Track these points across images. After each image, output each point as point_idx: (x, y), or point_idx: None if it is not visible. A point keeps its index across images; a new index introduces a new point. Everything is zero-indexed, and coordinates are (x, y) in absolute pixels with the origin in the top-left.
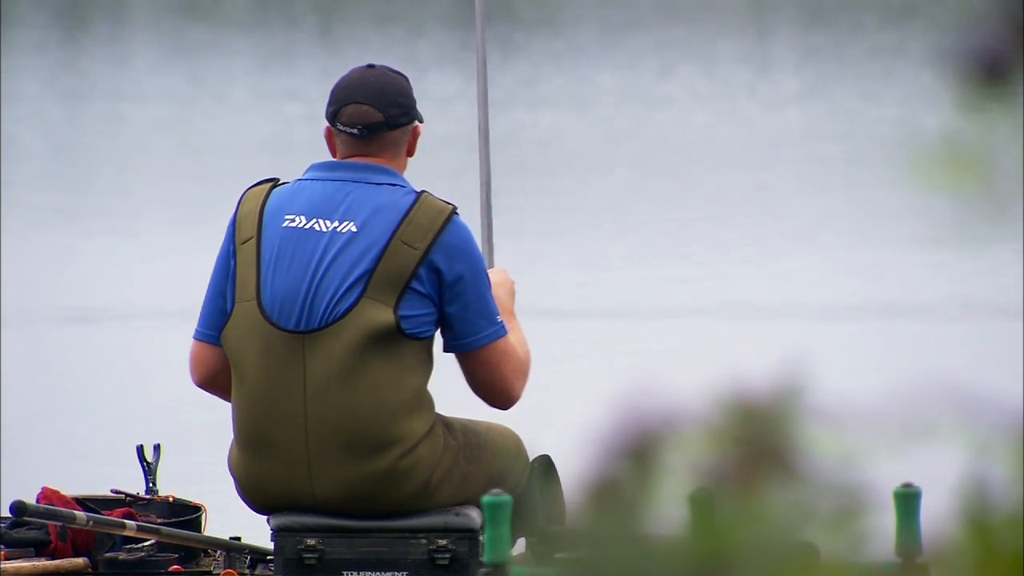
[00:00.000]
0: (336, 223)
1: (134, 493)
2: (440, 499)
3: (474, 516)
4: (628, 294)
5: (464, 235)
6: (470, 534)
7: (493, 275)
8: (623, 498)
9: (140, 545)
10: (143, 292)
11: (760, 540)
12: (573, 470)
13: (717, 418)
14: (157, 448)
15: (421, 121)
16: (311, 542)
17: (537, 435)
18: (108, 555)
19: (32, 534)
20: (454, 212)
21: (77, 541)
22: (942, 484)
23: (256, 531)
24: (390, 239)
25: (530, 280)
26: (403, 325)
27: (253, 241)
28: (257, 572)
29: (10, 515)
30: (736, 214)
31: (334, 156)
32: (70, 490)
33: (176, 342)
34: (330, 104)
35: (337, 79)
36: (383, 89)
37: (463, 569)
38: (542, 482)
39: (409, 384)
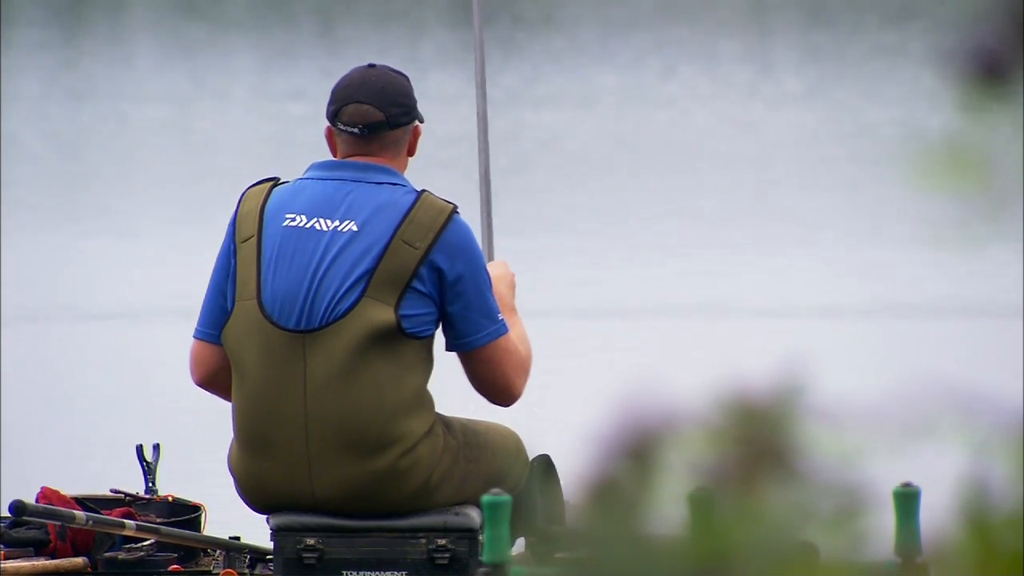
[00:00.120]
0: (337, 222)
1: (133, 493)
2: (440, 499)
3: (474, 516)
4: (628, 294)
5: (465, 234)
6: (470, 534)
7: (493, 268)
8: (623, 498)
9: (139, 545)
10: (143, 292)
11: (760, 540)
12: (573, 470)
13: (717, 418)
14: (157, 448)
15: (422, 121)
16: (311, 542)
17: (537, 435)
18: (107, 555)
19: (31, 534)
20: (455, 211)
21: (76, 541)
22: (942, 484)
23: (256, 531)
24: (391, 238)
25: (530, 280)
26: (404, 324)
27: (254, 240)
28: (257, 572)
29: (10, 515)
30: (737, 214)
31: (335, 155)
32: (70, 490)
33: (176, 342)
34: (331, 103)
35: (338, 79)
36: (384, 88)
37: (462, 569)
38: (542, 482)
39: (409, 384)
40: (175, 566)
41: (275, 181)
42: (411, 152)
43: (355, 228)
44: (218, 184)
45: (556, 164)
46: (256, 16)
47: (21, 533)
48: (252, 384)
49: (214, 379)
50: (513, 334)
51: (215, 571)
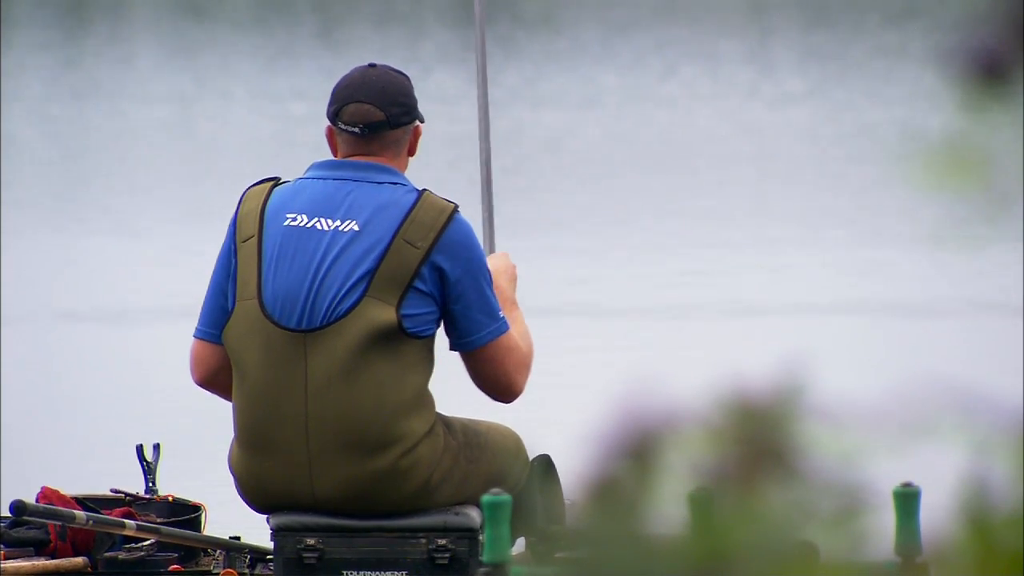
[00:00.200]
0: (338, 222)
1: (134, 493)
2: (440, 499)
3: (474, 516)
4: (629, 293)
5: (466, 233)
6: (470, 534)
7: (494, 260)
8: (623, 498)
9: (140, 545)
10: (143, 292)
11: (760, 540)
12: (573, 470)
13: (717, 418)
14: (157, 448)
15: (422, 121)
16: (311, 541)
17: (537, 435)
18: (108, 554)
19: (32, 533)
20: (456, 210)
21: (77, 540)
22: (942, 484)
23: (256, 531)
24: (393, 238)
25: (531, 279)
26: (405, 324)
27: (254, 240)
28: (257, 572)
29: (10, 514)
30: (738, 214)
31: (335, 155)
32: (70, 490)
33: (176, 342)
34: (331, 103)
35: (339, 79)
36: (385, 88)
37: (463, 569)
38: (542, 482)
39: (410, 383)
40: (175, 566)
41: (276, 181)
42: (411, 152)
43: (356, 228)
44: (219, 184)
45: (557, 164)
46: (257, 16)
47: (21, 533)
48: (253, 383)
49: (214, 379)
50: (514, 330)
51: (215, 571)
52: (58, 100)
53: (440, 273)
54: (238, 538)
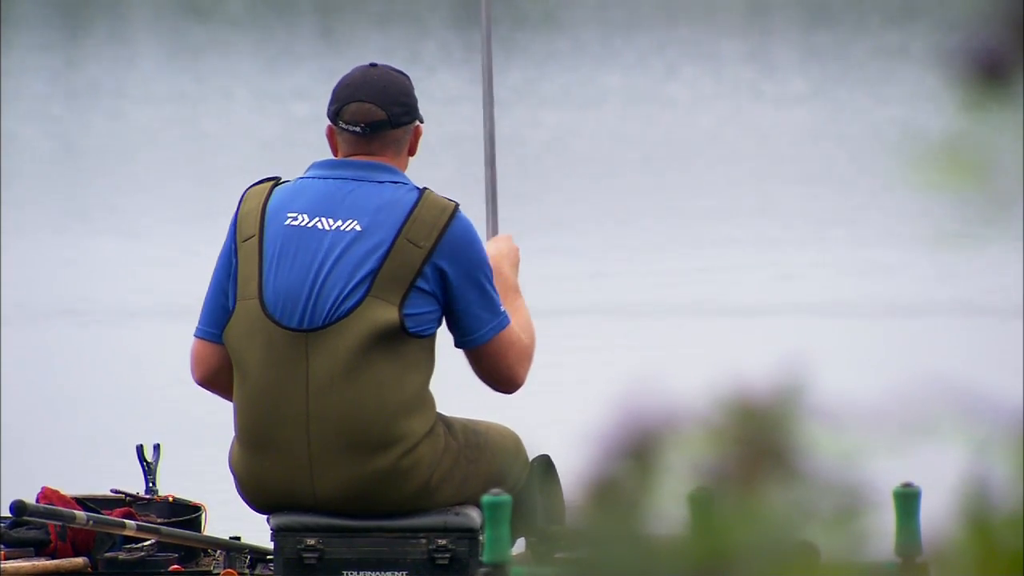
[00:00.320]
0: (339, 222)
1: (134, 493)
2: (440, 499)
3: (474, 516)
4: (630, 293)
5: (468, 231)
6: (470, 534)
7: (496, 243)
8: (623, 498)
9: (140, 545)
10: (143, 292)
11: (760, 540)
12: (573, 470)
13: (717, 418)
14: (157, 448)
15: (422, 121)
16: (311, 542)
17: (537, 435)
18: (108, 555)
19: (32, 534)
20: (457, 209)
21: (77, 541)
22: (942, 484)
23: (256, 531)
24: (396, 238)
25: (532, 279)
26: (407, 323)
27: (255, 239)
28: (257, 572)
29: (10, 515)
30: (739, 214)
31: (336, 155)
32: (70, 490)
33: (176, 341)
34: (332, 102)
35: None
36: (386, 88)
37: (463, 569)
38: (542, 482)
39: (411, 383)
40: (175, 566)
41: (276, 180)
42: (412, 152)
43: (358, 228)
44: (220, 184)
45: (559, 164)
46: (258, 16)
47: (21, 533)
48: (254, 383)
49: (215, 378)
50: (515, 322)
51: (215, 571)
52: (59, 100)
53: (442, 272)
54: (238, 538)
